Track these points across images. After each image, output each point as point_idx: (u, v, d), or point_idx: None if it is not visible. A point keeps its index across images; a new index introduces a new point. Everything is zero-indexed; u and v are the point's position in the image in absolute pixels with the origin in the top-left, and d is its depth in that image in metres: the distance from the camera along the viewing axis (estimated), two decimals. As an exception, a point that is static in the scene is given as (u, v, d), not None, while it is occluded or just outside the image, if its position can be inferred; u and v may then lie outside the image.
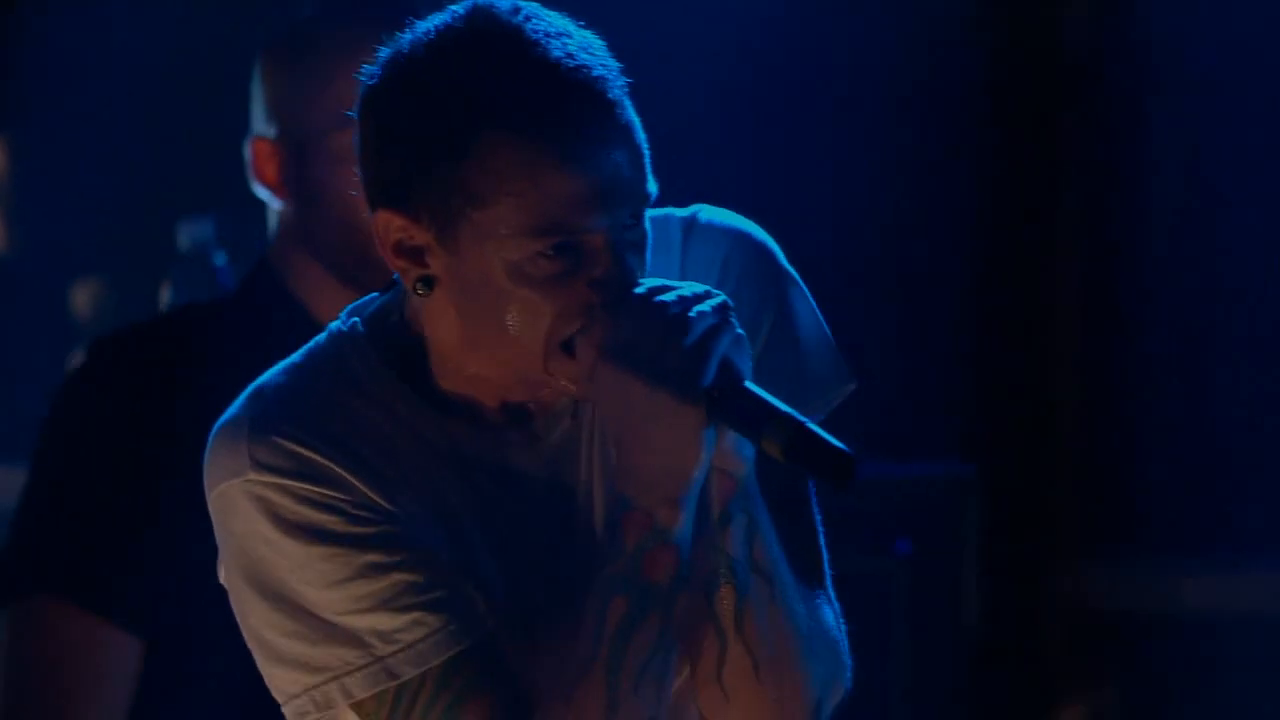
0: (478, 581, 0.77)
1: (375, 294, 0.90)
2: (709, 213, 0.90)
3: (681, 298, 0.73)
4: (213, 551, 0.79)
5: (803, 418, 0.69)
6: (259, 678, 0.81)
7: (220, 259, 3.27)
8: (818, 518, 0.89)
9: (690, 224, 0.88)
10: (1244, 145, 4.10)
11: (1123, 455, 3.75)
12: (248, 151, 1.97)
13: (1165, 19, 4.15)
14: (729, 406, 0.70)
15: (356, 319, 0.85)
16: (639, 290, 0.74)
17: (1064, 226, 4.14)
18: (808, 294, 0.90)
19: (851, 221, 4.01)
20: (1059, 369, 4.03)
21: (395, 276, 0.86)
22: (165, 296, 3.28)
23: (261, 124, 1.95)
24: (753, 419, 0.70)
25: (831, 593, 0.88)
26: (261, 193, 1.98)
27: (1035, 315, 4.39)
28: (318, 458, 0.76)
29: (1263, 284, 4.09)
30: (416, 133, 0.76)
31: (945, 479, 2.95)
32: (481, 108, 0.73)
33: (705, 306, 0.72)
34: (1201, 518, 3.59)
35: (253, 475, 0.76)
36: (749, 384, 0.72)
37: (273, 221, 2.01)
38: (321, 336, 0.85)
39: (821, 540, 0.89)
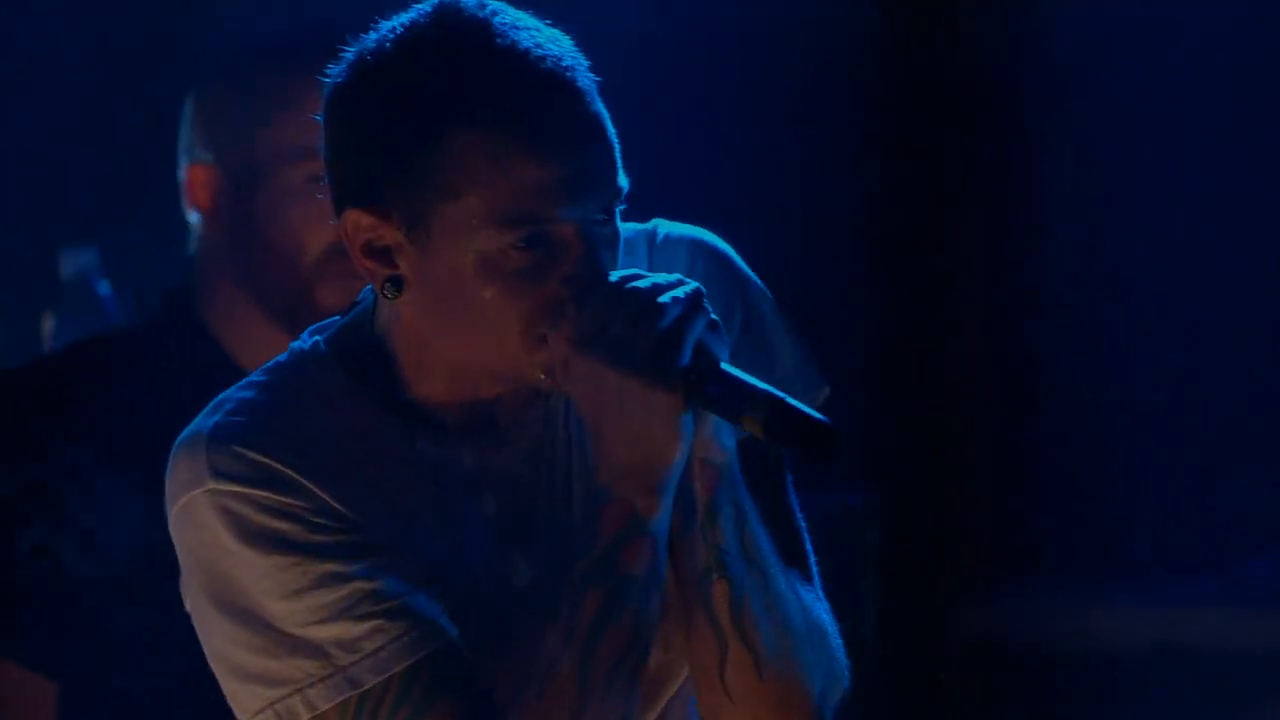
0: (443, 588, 0.77)
1: (336, 317, 0.89)
2: (668, 225, 0.91)
3: (655, 284, 0.74)
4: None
5: (781, 394, 0.70)
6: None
7: (104, 288, 3.15)
8: (799, 511, 0.89)
9: (652, 237, 0.90)
10: (1146, 168, 4.27)
11: (1023, 485, 3.81)
12: (182, 176, 1.91)
13: (1063, 37, 4.32)
14: (706, 389, 0.71)
15: (318, 338, 0.85)
16: (610, 279, 0.75)
17: (963, 260, 4.25)
18: (774, 300, 0.92)
19: (744, 250, 4.02)
20: (958, 398, 4.11)
21: (359, 296, 0.87)
22: (48, 326, 3.16)
23: (199, 150, 1.89)
24: (731, 399, 0.71)
25: (820, 588, 0.88)
26: (193, 219, 1.91)
27: (935, 343, 4.49)
28: (278, 465, 0.75)
29: (1165, 312, 4.26)
30: (385, 128, 0.76)
31: (843, 508, 2.97)
32: (450, 99, 0.74)
33: (679, 292, 0.73)
34: (1101, 548, 3.66)
35: (212, 484, 0.74)
36: (725, 365, 0.72)
37: (196, 250, 1.94)
38: (283, 355, 0.84)
39: (805, 534, 0.89)
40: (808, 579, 0.86)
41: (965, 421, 3.94)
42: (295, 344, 0.85)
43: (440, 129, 0.73)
